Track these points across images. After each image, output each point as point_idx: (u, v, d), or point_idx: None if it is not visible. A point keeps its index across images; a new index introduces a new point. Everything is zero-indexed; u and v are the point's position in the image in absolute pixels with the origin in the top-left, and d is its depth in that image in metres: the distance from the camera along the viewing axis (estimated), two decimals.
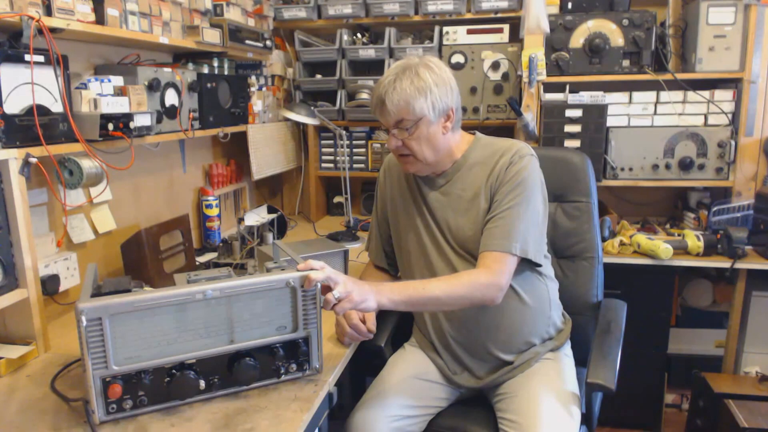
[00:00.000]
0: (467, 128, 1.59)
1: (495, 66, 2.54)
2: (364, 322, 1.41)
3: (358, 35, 2.77)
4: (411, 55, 1.46)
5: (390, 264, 1.69)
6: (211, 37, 2.01)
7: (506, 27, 2.54)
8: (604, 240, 2.23)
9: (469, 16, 2.55)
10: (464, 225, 1.46)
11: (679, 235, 2.32)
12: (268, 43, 2.43)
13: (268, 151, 2.59)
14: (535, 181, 1.42)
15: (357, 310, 1.31)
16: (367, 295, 1.21)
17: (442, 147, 1.45)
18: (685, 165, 2.35)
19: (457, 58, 2.57)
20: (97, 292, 1.13)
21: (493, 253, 1.36)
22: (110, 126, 1.51)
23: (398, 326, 1.70)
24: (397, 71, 1.39)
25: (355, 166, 2.84)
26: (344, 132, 2.73)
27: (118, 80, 1.64)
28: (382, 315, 1.71)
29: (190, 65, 2.07)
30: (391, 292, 1.26)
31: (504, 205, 1.39)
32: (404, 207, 1.58)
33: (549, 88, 2.42)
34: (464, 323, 1.47)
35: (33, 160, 1.34)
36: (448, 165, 1.50)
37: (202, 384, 1.14)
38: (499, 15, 2.52)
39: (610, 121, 2.39)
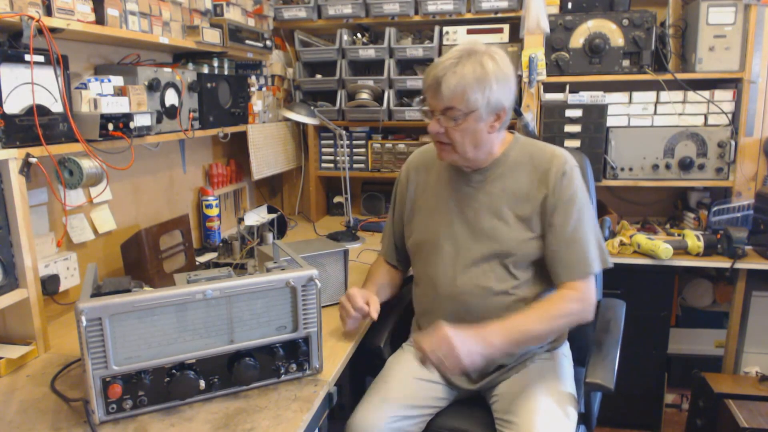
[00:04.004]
0: None
1: None
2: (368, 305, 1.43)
3: (358, 35, 2.77)
4: (476, 43, 1.36)
5: (399, 260, 1.68)
6: (211, 37, 2.01)
7: (506, 27, 2.54)
8: (603, 240, 2.23)
9: (469, 16, 2.55)
10: (499, 227, 1.42)
11: (679, 235, 2.32)
12: (268, 43, 2.43)
13: (268, 151, 2.59)
14: (585, 191, 1.42)
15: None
16: (473, 353, 1.24)
17: (484, 145, 1.39)
18: (685, 165, 2.35)
19: None
20: (97, 292, 1.13)
21: (576, 282, 1.36)
22: (110, 126, 1.51)
23: (396, 327, 1.69)
24: (461, 54, 1.31)
25: (355, 166, 2.84)
26: (344, 132, 2.73)
27: (118, 80, 1.64)
28: (381, 315, 1.71)
29: (190, 65, 2.07)
30: (497, 337, 1.28)
31: (569, 227, 1.37)
32: (433, 201, 1.52)
33: (549, 88, 2.42)
34: (472, 327, 1.45)
35: (33, 160, 1.34)
36: (487, 162, 1.44)
37: (202, 384, 1.14)
38: (499, 15, 2.52)
39: (610, 121, 2.39)
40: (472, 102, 1.31)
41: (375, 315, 1.43)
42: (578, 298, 1.36)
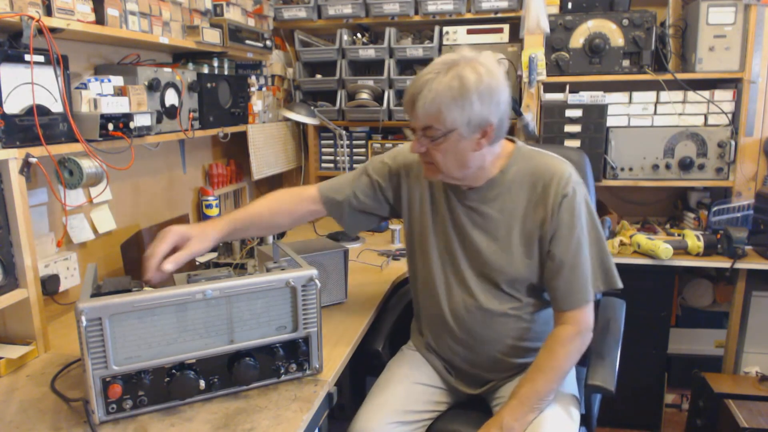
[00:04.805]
0: None
1: None
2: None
3: (358, 35, 2.77)
4: (463, 49, 1.24)
5: (336, 214, 1.52)
6: (211, 37, 2.01)
7: (506, 27, 2.54)
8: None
9: (469, 16, 2.55)
10: (496, 251, 1.35)
11: (679, 235, 2.32)
12: (268, 43, 2.43)
13: (268, 151, 2.59)
14: (588, 209, 1.33)
15: None
16: None
17: (471, 164, 1.28)
18: (685, 165, 2.35)
19: None
20: (97, 292, 1.13)
21: (573, 311, 1.32)
22: (110, 126, 1.51)
23: (395, 329, 1.69)
24: (440, 68, 1.20)
25: (355, 166, 2.84)
26: (344, 132, 2.73)
27: (118, 80, 1.64)
28: (379, 318, 1.71)
29: (190, 65, 2.07)
30: (513, 418, 1.27)
31: (568, 255, 1.29)
32: (426, 213, 1.44)
33: (549, 88, 2.42)
34: (471, 346, 1.43)
35: (33, 160, 1.34)
36: (481, 181, 1.34)
37: (202, 384, 1.14)
38: (499, 15, 2.52)
39: (610, 121, 2.39)
40: (449, 121, 1.20)
41: (167, 267, 1.22)
42: (576, 333, 1.31)
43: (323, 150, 2.90)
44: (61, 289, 1.55)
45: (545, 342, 1.35)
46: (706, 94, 2.34)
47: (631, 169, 2.41)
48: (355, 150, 2.84)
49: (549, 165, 1.34)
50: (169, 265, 1.21)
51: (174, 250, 1.26)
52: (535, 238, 1.33)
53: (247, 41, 2.24)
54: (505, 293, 1.38)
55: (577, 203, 1.30)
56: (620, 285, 1.36)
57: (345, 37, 2.69)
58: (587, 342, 1.35)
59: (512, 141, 1.40)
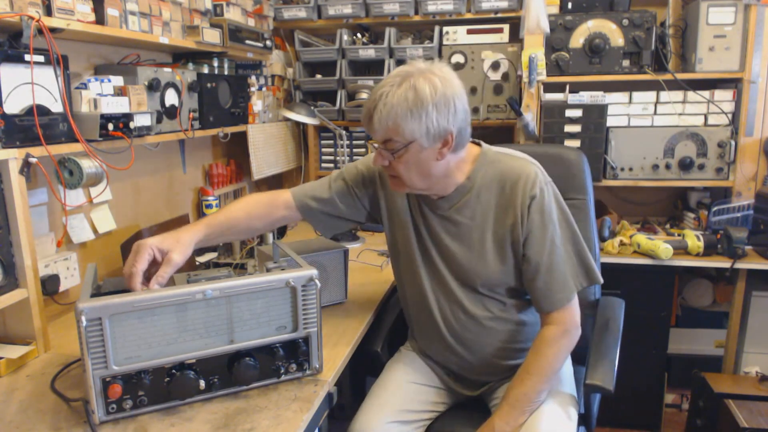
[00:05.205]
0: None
1: (495, 66, 2.54)
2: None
3: (358, 35, 2.77)
4: (417, 61, 1.25)
5: (311, 217, 1.48)
6: (211, 37, 2.01)
7: (506, 27, 2.54)
8: (603, 240, 2.23)
9: (469, 16, 2.55)
10: (471, 258, 1.35)
11: (679, 235, 2.32)
12: (268, 43, 2.43)
13: (268, 151, 2.59)
14: (559, 207, 1.33)
15: None
16: None
17: (435, 173, 1.28)
18: (685, 165, 2.35)
19: (457, 58, 2.57)
20: (97, 292, 1.13)
21: (558, 311, 1.31)
22: (110, 126, 1.51)
23: (394, 329, 1.69)
24: (394, 81, 1.21)
25: None
26: (344, 132, 2.73)
27: (118, 80, 1.64)
28: (379, 318, 1.71)
29: (190, 65, 2.07)
30: (505, 423, 1.28)
31: (543, 257, 1.29)
32: (407, 223, 1.43)
33: (549, 88, 2.42)
34: (464, 352, 1.43)
35: (33, 160, 1.34)
36: (450, 189, 1.34)
37: (202, 384, 1.14)
38: (499, 15, 2.52)
39: (610, 121, 2.39)
40: (407, 133, 1.20)
41: (153, 285, 1.18)
42: (563, 332, 1.31)
43: (323, 150, 2.90)
44: (61, 289, 1.55)
45: (533, 343, 1.35)
46: (706, 94, 2.34)
47: (631, 169, 2.41)
48: (355, 150, 2.84)
49: (515, 167, 1.32)
50: (157, 288, 1.18)
51: (153, 263, 1.23)
52: (507, 242, 1.33)
53: (247, 41, 2.24)
54: (487, 297, 1.38)
55: (546, 203, 1.29)
56: (601, 280, 1.37)
57: (345, 37, 2.69)
58: (575, 340, 1.34)
59: (478, 144, 1.39)
